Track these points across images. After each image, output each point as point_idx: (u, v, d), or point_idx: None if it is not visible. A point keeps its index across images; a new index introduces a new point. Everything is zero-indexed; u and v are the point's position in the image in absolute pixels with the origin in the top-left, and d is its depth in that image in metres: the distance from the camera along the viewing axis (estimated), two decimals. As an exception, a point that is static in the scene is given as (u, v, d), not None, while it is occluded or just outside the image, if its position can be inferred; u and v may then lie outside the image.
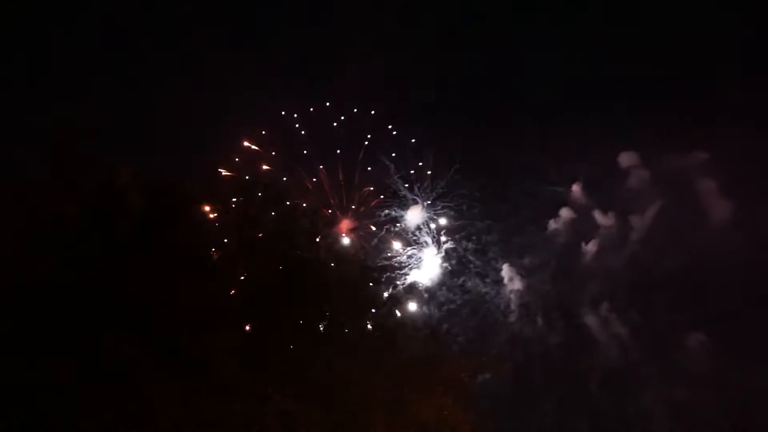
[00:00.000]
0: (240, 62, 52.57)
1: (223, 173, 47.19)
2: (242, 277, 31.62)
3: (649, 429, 48.76)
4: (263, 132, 54.84)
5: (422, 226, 58.26)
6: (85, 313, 27.58)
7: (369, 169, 58.87)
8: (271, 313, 31.08)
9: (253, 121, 54.24)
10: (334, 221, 56.58)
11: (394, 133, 58.89)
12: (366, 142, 58.53)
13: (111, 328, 27.70)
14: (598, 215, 56.29)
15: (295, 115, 56.79)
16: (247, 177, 44.49)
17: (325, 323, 32.02)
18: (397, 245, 57.99)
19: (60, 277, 27.92)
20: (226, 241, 32.31)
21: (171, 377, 28.46)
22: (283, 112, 56.79)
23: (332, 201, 57.68)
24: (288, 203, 35.04)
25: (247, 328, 30.78)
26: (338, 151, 57.68)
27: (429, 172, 58.96)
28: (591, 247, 54.85)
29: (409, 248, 57.71)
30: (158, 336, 28.66)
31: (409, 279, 56.39)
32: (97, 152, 31.37)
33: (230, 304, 30.81)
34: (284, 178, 53.24)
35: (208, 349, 29.22)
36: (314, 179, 57.73)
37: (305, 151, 56.19)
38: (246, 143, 54.45)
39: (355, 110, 58.28)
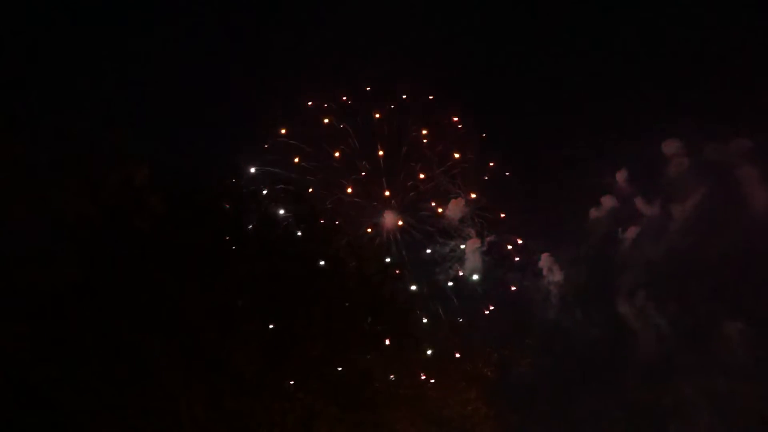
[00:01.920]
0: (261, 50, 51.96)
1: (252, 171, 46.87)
2: (262, 277, 31.46)
3: (687, 420, 48.07)
4: (283, 131, 54.09)
5: (465, 219, 57.95)
6: (108, 313, 27.82)
7: (411, 163, 58.29)
8: (290, 311, 31.10)
9: (283, 115, 53.51)
10: (372, 216, 56.27)
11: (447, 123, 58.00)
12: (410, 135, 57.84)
13: (133, 328, 28.00)
14: (639, 203, 55.45)
15: (325, 106, 56.17)
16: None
17: (344, 321, 31.79)
18: (439, 238, 57.63)
19: (82, 278, 28.10)
20: (246, 240, 32.20)
21: (193, 376, 28.74)
22: (309, 104, 56.02)
23: (373, 195, 57.44)
24: (308, 202, 34.71)
25: (267, 326, 30.66)
26: (380, 151, 57.00)
27: (470, 165, 58.38)
28: (630, 236, 54.13)
29: (450, 242, 57.37)
30: (180, 336, 28.92)
31: (450, 272, 56.00)
32: (117, 151, 31.45)
33: (250, 303, 30.82)
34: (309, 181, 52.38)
35: (229, 348, 29.41)
36: (354, 173, 57.33)
37: (336, 153, 55.54)
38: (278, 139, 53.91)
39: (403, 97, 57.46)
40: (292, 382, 30.88)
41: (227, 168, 35.72)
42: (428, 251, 57.13)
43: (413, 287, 35.89)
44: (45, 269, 27.99)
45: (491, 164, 58.09)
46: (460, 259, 57.13)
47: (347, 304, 32.50)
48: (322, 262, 32.64)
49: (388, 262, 35.84)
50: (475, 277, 55.16)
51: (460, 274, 55.69)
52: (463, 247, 57.54)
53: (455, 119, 58.14)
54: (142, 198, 30.39)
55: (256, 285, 31.74)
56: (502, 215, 57.49)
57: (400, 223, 56.71)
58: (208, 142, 42.25)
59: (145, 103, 42.16)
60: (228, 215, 32.72)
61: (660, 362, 50.18)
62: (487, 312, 50.52)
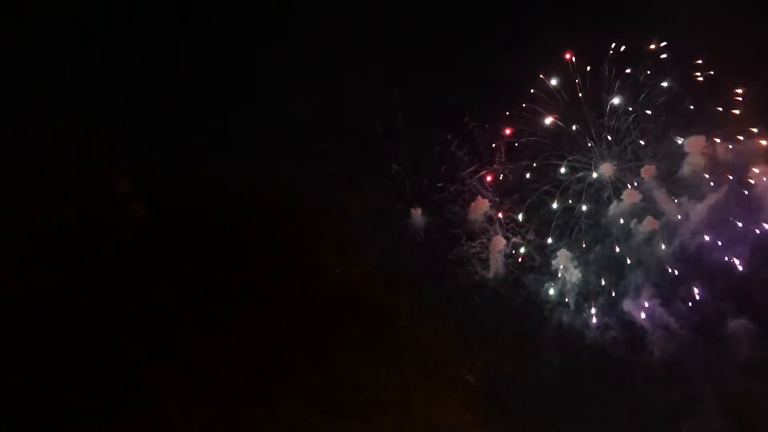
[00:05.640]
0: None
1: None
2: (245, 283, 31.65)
3: (699, 420, 47.43)
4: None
5: (492, 220, 57.67)
6: (88, 322, 28.16)
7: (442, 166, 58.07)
8: (275, 319, 31.27)
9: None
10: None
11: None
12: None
13: (115, 337, 28.34)
14: (660, 200, 54.80)
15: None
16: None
17: (329, 327, 31.92)
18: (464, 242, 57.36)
19: (61, 287, 28.44)
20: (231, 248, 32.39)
21: (177, 384, 29.01)
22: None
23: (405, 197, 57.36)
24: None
25: (251, 334, 30.86)
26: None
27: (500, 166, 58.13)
28: (646, 231, 53.57)
29: (474, 243, 57.12)
30: (165, 344, 29.21)
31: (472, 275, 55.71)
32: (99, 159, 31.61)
33: (234, 310, 31.02)
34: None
35: (215, 356, 29.65)
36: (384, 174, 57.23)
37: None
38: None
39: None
40: (278, 390, 30.88)
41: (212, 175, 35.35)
42: (452, 253, 56.77)
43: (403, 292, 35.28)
44: (23, 278, 28.39)
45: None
46: (484, 261, 56.86)
47: (332, 310, 32.57)
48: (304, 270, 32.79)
49: (375, 269, 35.56)
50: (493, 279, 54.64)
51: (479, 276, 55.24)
52: (485, 248, 57.19)
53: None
54: (126, 207, 30.80)
55: (240, 292, 31.97)
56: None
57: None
58: (195, 149, 41.60)
59: (130, 108, 41.51)
60: (211, 223, 32.92)
61: (670, 362, 49.41)
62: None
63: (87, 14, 41.44)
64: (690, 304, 51.02)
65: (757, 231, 51.38)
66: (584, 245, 55.56)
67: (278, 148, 47.94)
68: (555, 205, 56.82)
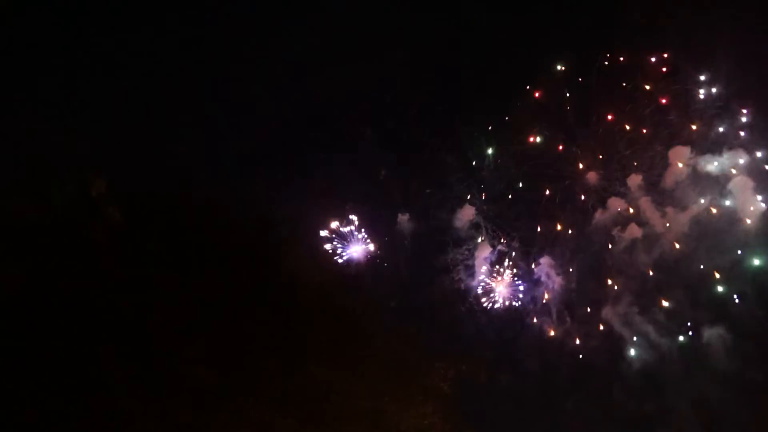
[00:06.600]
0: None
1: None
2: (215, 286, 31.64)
3: (673, 429, 47.63)
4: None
5: (480, 225, 57.73)
6: (57, 325, 28.12)
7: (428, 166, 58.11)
8: (245, 322, 31.30)
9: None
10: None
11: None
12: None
13: (85, 340, 28.30)
14: (645, 210, 54.86)
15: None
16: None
17: (302, 332, 31.97)
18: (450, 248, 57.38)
19: (32, 288, 28.37)
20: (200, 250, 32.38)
21: (145, 388, 29.01)
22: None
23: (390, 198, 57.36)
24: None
25: (222, 338, 30.87)
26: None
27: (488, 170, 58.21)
28: (627, 240, 53.63)
29: (460, 249, 57.17)
30: (132, 346, 29.20)
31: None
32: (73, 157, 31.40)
33: (204, 313, 31.03)
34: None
35: (183, 359, 29.65)
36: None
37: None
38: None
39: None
40: (248, 395, 30.89)
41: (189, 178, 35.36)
42: (438, 259, 56.83)
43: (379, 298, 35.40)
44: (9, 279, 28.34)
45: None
46: (470, 267, 56.88)
47: (305, 314, 32.62)
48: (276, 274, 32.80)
49: (350, 273, 35.73)
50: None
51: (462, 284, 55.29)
52: (471, 254, 57.24)
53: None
54: (98, 209, 30.72)
55: (215, 296, 31.98)
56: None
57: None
58: (178, 152, 41.55)
59: (107, 106, 41.33)
60: (191, 228, 32.95)
61: (645, 371, 49.59)
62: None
63: (71, 14, 41.66)
64: (669, 313, 51.25)
65: (736, 242, 51.51)
66: (567, 253, 55.69)
67: (263, 151, 48.12)
68: (540, 213, 57.06)
